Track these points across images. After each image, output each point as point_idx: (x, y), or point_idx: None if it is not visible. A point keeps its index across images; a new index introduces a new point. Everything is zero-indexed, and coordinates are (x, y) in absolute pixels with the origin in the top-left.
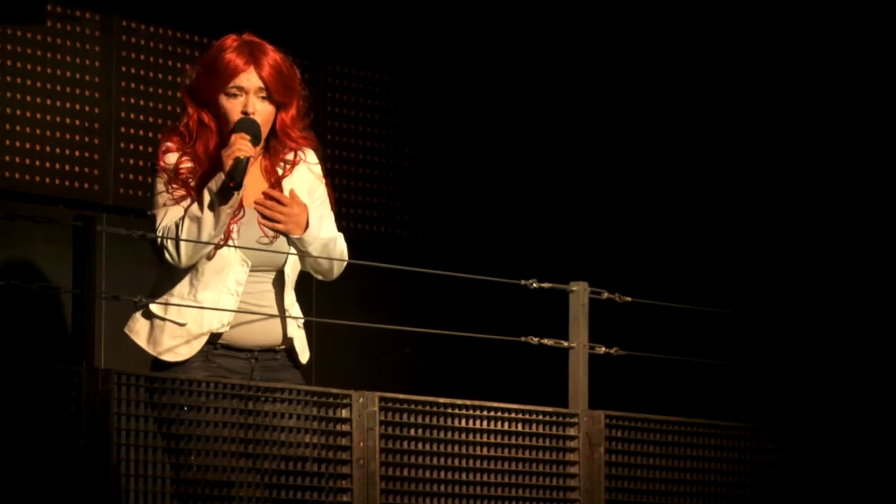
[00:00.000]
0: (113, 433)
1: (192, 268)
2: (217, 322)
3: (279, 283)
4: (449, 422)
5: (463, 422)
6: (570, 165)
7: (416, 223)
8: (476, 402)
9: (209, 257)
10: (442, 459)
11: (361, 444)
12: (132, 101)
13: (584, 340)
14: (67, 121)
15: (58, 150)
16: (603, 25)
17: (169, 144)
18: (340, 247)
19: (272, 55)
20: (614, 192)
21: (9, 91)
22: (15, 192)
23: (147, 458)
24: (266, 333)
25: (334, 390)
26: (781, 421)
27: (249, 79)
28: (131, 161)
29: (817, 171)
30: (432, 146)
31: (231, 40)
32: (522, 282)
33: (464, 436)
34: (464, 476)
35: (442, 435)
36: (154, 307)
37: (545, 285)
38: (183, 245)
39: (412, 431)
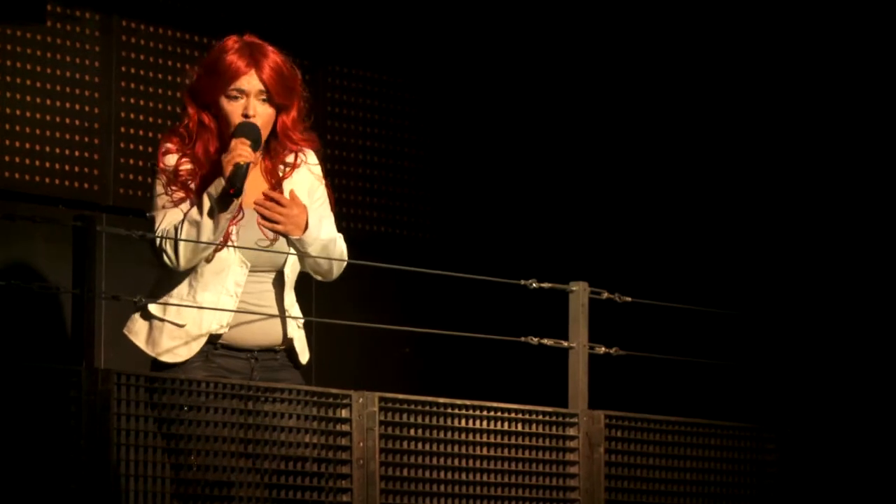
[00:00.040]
0: (113, 433)
1: (192, 269)
2: (216, 323)
3: (279, 283)
4: (449, 422)
5: (463, 422)
6: (569, 166)
7: (416, 223)
8: (476, 402)
9: (208, 260)
10: (442, 459)
11: (361, 444)
12: (132, 101)
13: (584, 340)
14: (67, 121)
15: (58, 150)
16: (602, 26)
17: (169, 145)
18: (340, 247)
19: (273, 57)
20: (614, 192)
21: (9, 91)
22: (15, 192)
23: (147, 458)
24: (266, 333)
25: (334, 390)
26: (781, 421)
27: (250, 81)
28: (131, 161)
29: (817, 171)
30: (432, 146)
31: (232, 42)
32: (522, 282)
33: (464, 436)
34: (464, 476)
35: (442, 435)
36: (153, 308)
37: (545, 285)
38: (182, 249)
39: (412, 431)
